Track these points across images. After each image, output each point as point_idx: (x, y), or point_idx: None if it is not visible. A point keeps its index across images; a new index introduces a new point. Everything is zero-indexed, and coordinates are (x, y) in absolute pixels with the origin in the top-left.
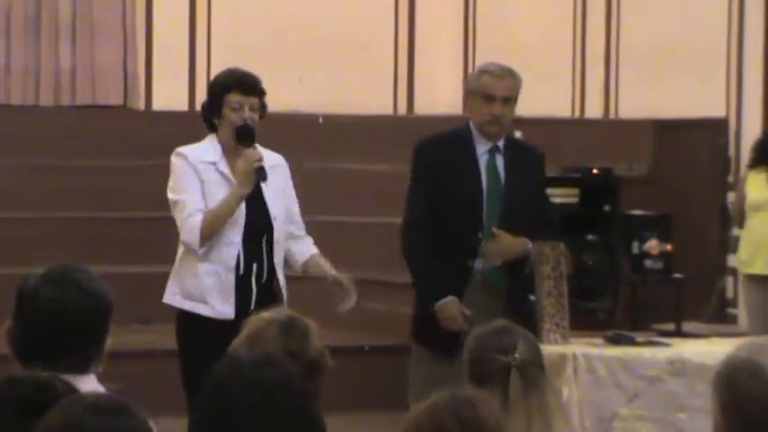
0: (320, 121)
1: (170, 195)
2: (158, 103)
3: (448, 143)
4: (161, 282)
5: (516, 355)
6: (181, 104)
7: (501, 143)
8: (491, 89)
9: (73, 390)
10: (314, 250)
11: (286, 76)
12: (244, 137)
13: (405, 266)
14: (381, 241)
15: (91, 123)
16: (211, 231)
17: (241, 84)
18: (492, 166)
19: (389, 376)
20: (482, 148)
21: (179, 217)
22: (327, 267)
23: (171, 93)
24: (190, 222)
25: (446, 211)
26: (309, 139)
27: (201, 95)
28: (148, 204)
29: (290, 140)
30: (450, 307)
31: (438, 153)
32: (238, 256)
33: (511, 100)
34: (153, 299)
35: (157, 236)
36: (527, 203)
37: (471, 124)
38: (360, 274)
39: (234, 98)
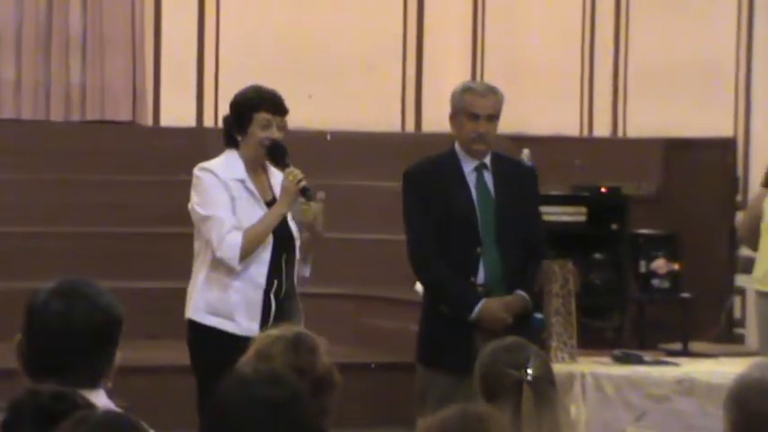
0: (328, 137)
1: (199, 211)
2: (166, 119)
3: (435, 166)
4: (168, 297)
5: (529, 371)
6: (189, 120)
7: (487, 159)
8: (475, 107)
9: (90, 404)
10: None
11: (294, 93)
12: (278, 156)
13: (412, 284)
14: (388, 258)
15: (100, 139)
16: (252, 249)
17: (271, 103)
18: (481, 182)
19: (396, 393)
20: (469, 167)
21: (215, 233)
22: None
23: (179, 109)
24: (229, 239)
25: (442, 232)
26: (317, 155)
27: (209, 112)
28: (156, 220)
29: (297, 157)
30: (490, 306)
31: (427, 177)
32: (266, 273)
33: (495, 117)
34: (160, 314)
35: (164, 251)
36: (520, 217)
37: (456, 144)
38: (367, 291)
39: (263, 116)
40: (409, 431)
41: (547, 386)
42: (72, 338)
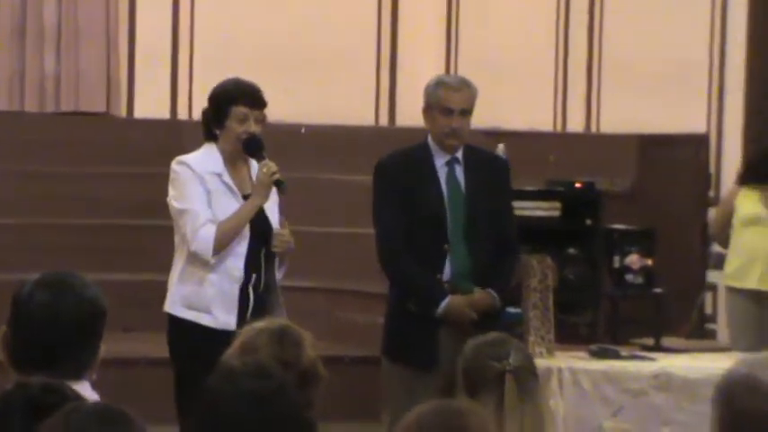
0: (302, 131)
1: (175, 204)
2: (141, 111)
3: (407, 159)
4: (142, 289)
5: (510, 361)
6: (163, 112)
7: (459, 153)
8: (449, 102)
9: (79, 397)
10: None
11: (268, 86)
12: (255, 149)
13: (384, 278)
14: (362, 252)
15: (74, 130)
16: (226, 242)
17: (249, 96)
18: (452, 177)
19: (369, 387)
20: (441, 161)
21: (189, 226)
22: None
23: (153, 100)
24: (203, 232)
25: (411, 226)
26: (291, 149)
27: (184, 104)
28: (130, 212)
29: (272, 150)
30: (456, 303)
31: (398, 170)
32: (243, 266)
33: (468, 111)
34: (135, 307)
35: (137, 243)
36: (491, 212)
37: (429, 138)
38: (341, 285)
39: (241, 110)
40: (379, 425)
41: (529, 378)
42: (58, 330)
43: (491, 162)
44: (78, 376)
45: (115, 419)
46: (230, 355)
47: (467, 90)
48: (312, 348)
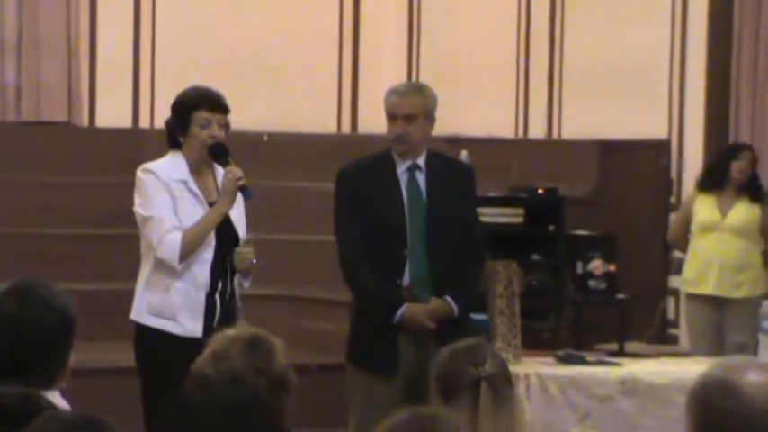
0: (265, 139)
1: (140, 211)
2: (102, 120)
3: (369, 167)
4: (105, 299)
5: (486, 368)
6: (125, 121)
7: (422, 160)
8: (393, 108)
9: (54, 406)
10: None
11: (230, 94)
12: (220, 154)
13: (347, 286)
14: (326, 260)
15: (35, 139)
16: (192, 249)
17: (209, 101)
18: (413, 183)
19: (336, 394)
20: (402, 168)
21: (156, 233)
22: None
23: (115, 109)
24: (169, 239)
25: (371, 232)
26: (254, 157)
27: (146, 112)
28: (92, 222)
29: (234, 158)
30: (412, 311)
31: (359, 177)
32: (209, 274)
33: (416, 117)
34: (97, 316)
35: (100, 253)
36: (452, 218)
37: None
38: (305, 293)
39: (202, 115)
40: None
41: (504, 384)
42: (27, 339)
43: (455, 169)
44: (49, 385)
45: (93, 427)
46: (202, 362)
47: (413, 96)
48: (284, 356)
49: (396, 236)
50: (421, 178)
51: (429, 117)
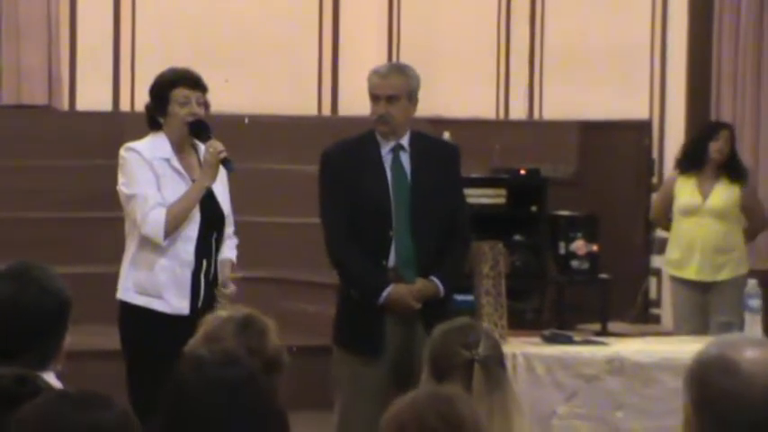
0: (246, 121)
1: (124, 190)
2: (83, 104)
3: (352, 148)
4: (88, 282)
5: (479, 350)
6: (105, 105)
7: (405, 140)
8: (375, 89)
9: (51, 387)
10: (228, 254)
11: (211, 77)
12: (200, 131)
13: (332, 268)
14: (308, 242)
15: (16, 123)
16: (177, 224)
17: (186, 78)
18: (397, 164)
19: (317, 376)
20: (386, 149)
21: (139, 210)
22: (224, 276)
23: (95, 93)
24: (153, 215)
25: (356, 213)
26: (235, 139)
27: (126, 96)
28: (73, 204)
29: (215, 139)
30: (397, 292)
31: (343, 159)
32: (194, 251)
33: (399, 98)
34: (80, 299)
35: (81, 236)
36: (437, 198)
37: None
38: (287, 275)
39: (180, 93)
40: (331, 414)
41: (497, 366)
42: (22, 322)
43: (440, 148)
44: (43, 367)
45: (92, 403)
46: (195, 344)
47: (395, 76)
48: (276, 336)
49: (381, 217)
50: (405, 158)
51: (412, 97)
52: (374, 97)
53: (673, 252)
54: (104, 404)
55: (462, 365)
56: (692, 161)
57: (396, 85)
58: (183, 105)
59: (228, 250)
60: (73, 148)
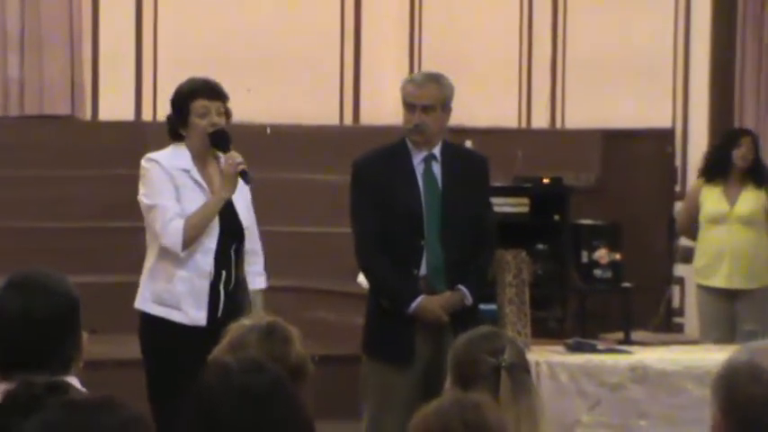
0: (268, 131)
1: (144, 201)
2: (105, 114)
3: (384, 157)
4: (108, 291)
5: (505, 357)
6: (127, 115)
7: (437, 150)
8: (411, 98)
9: (81, 393)
10: (257, 285)
11: (233, 87)
12: (220, 141)
13: (354, 276)
14: (330, 251)
15: (38, 133)
16: (195, 235)
17: (205, 89)
18: (429, 174)
19: (340, 386)
20: (418, 158)
21: (159, 221)
22: (255, 308)
23: (118, 103)
24: (172, 226)
25: (388, 222)
26: (257, 149)
27: (148, 106)
28: (95, 215)
29: (238, 150)
30: (429, 303)
31: (375, 168)
32: (213, 262)
33: (434, 108)
34: (100, 309)
35: (103, 246)
36: (467, 208)
37: None
38: (310, 284)
39: (200, 104)
40: (352, 423)
41: (523, 373)
42: (35, 330)
43: (470, 159)
44: (67, 370)
45: (108, 407)
46: (219, 352)
47: (431, 86)
48: (301, 344)
49: (413, 226)
50: (437, 168)
51: (446, 107)
52: (409, 106)
53: (700, 260)
54: (118, 407)
55: (488, 373)
56: (716, 169)
57: (431, 95)
58: (202, 116)
59: (256, 278)
60: (95, 158)
